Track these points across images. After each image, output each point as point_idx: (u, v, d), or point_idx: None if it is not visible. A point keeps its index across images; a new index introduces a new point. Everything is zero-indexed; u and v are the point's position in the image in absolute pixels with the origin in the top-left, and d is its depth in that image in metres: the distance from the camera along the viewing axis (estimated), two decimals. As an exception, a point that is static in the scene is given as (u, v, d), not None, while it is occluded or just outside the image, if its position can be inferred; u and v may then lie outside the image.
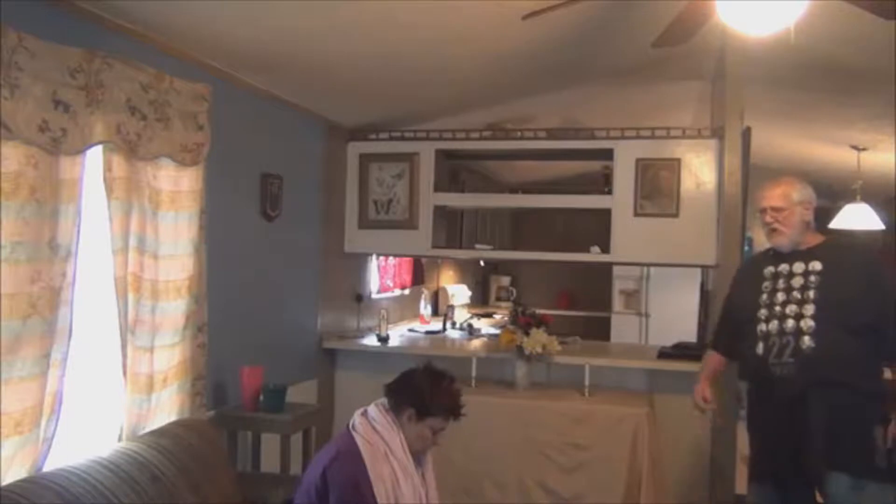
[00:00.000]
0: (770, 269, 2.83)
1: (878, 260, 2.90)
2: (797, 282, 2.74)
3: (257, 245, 3.83)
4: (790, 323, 2.69)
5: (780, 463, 2.76)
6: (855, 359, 2.65)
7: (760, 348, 2.75)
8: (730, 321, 3.04)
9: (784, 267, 2.79)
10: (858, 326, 2.65)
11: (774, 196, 2.79)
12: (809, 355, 2.64)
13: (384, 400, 2.51)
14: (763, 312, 2.78)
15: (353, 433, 2.42)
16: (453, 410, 2.47)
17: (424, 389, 2.45)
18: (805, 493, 2.77)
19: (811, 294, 2.70)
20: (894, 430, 2.63)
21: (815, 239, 2.83)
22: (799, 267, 2.76)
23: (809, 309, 2.68)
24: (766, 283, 2.82)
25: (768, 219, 2.81)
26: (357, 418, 2.47)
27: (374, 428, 2.42)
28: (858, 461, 2.62)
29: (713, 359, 3.16)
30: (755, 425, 2.93)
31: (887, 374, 2.87)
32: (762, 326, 2.76)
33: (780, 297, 2.76)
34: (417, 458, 2.49)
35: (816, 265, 2.73)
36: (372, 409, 2.49)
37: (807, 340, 2.65)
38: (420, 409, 2.43)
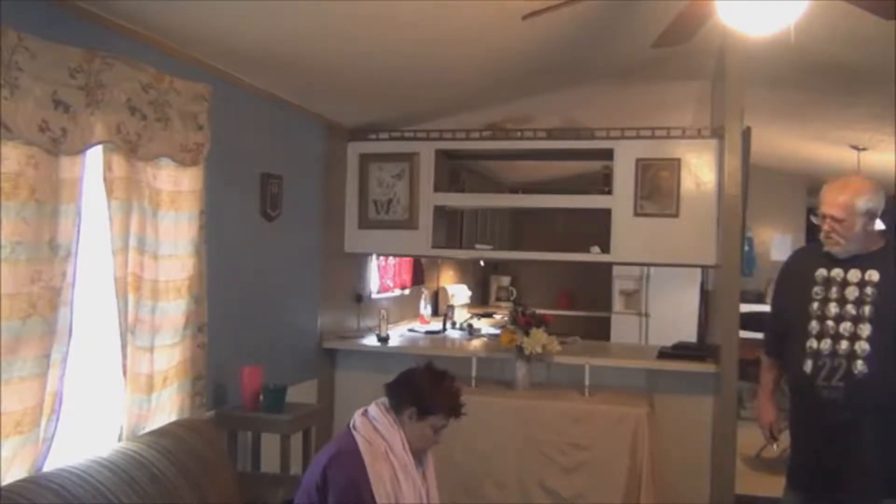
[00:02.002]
0: (822, 273, 2.64)
1: None
2: (852, 293, 2.57)
3: (257, 245, 3.83)
4: (844, 345, 2.54)
5: (819, 483, 2.64)
6: None
7: (809, 366, 2.61)
8: (780, 324, 2.84)
9: (838, 272, 2.61)
10: None
11: (837, 205, 2.56)
12: (861, 380, 2.51)
13: (384, 399, 2.51)
14: (814, 326, 2.61)
15: (354, 432, 2.42)
16: (454, 409, 2.47)
17: (425, 388, 2.45)
18: None
19: (867, 311, 2.53)
20: None
21: (874, 244, 2.62)
22: (854, 275, 2.58)
23: (865, 330, 2.52)
24: (818, 290, 2.64)
25: (826, 227, 2.60)
26: (358, 418, 2.47)
27: (374, 427, 2.43)
28: None
29: (770, 371, 2.94)
30: (797, 439, 2.79)
31: None
32: (812, 343, 2.61)
33: (833, 309, 2.59)
34: (418, 456, 2.50)
35: (874, 275, 2.55)
36: (372, 409, 2.49)
37: (859, 365, 2.51)
38: (421, 407, 2.43)
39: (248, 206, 3.76)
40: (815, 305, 2.63)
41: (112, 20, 2.67)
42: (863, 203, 2.54)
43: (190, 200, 2.95)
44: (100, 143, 2.45)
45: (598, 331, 7.35)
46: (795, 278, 2.78)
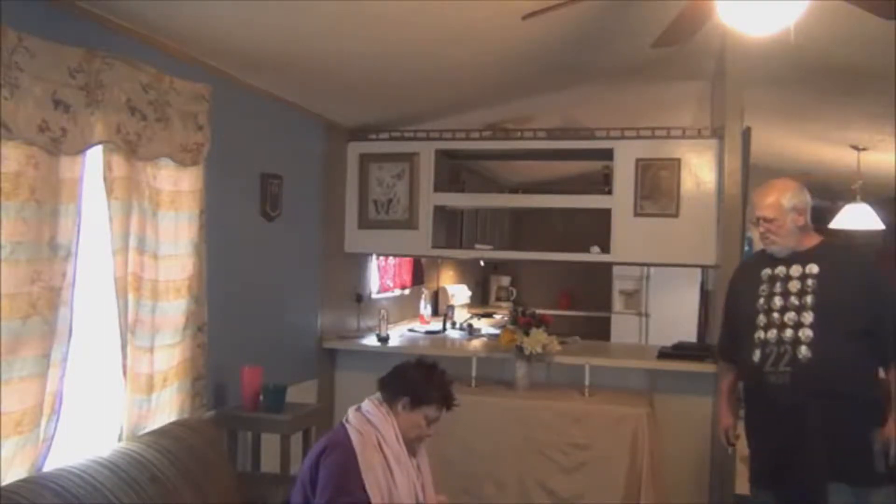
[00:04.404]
0: (767, 272, 2.81)
1: (873, 261, 2.88)
2: (794, 286, 2.72)
3: (257, 245, 3.83)
4: (788, 332, 2.67)
5: (778, 471, 2.75)
6: (851, 366, 2.63)
7: (757, 356, 2.73)
8: (732, 326, 3.01)
9: (781, 269, 2.77)
10: (855, 331, 2.63)
11: (765, 206, 2.78)
12: (806, 364, 2.63)
13: (378, 395, 2.56)
14: (761, 319, 2.75)
15: (346, 425, 2.47)
16: (446, 399, 2.53)
17: (418, 379, 2.52)
18: (804, 500, 2.72)
19: (809, 300, 2.67)
20: (891, 432, 2.61)
21: (812, 240, 2.80)
22: (796, 270, 2.74)
23: (808, 317, 2.66)
24: (763, 287, 2.79)
25: (761, 228, 2.80)
26: (351, 413, 2.53)
27: (367, 419, 2.48)
28: (858, 469, 2.61)
29: (726, 376, 3.11)
30: (752, 430, 2.91)
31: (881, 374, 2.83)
32: (760, 334, 2.74)
33: (778, 302, 2.74)
34: (412, 449, 2.54)
35: (813, 268, 2.71)
36: (365, 404, 2.54)
37: (804, 350, 2.64)
38: (414, 397, 2.48)
39: (248, 206, 3.76)
40: (762, 301, 2.78)
41: (112, 20, 2.67)
42: (787, 201, 2.75)
43: (190, 200, 2.95)
44: (100, 143, 2.45)
45: (598, 331, 7.35)
46: (744, 282, 2.95)
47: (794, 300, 2.71)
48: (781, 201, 2.75)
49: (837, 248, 2.90)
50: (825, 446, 2.59)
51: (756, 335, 2.75)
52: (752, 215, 2.89)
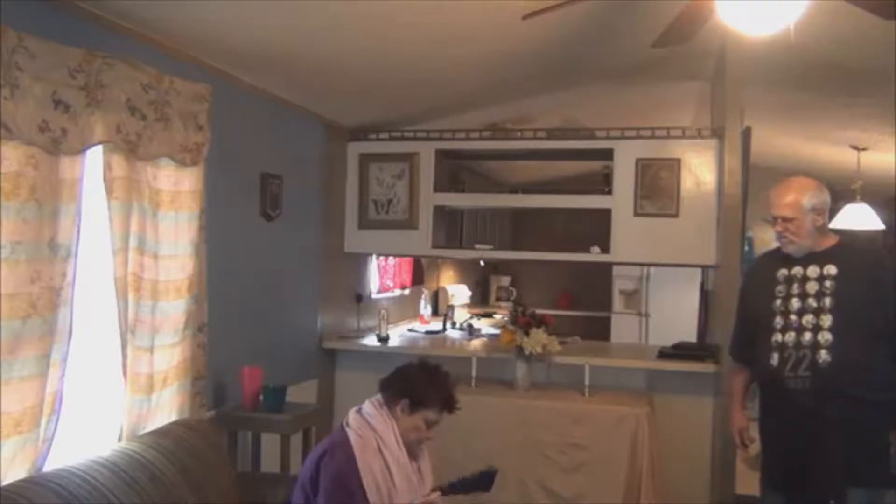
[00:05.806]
0: (783, 272, 2.73)
1: (888, 261, 2.79)
2: (812, 287, 2.65)
3: (257, 245, 3.83)
4: (807, 336, 2.61)
5: (792, 475, 2.70)
6: (870, 368, 2.59)
7: (775, 359, 2.67)
8: (746, 327, 2.93)
9: (798, 270, 2.70)
10: (874, 333, 2.58)
11: (784, 205, 2.68)
12: (825, 369, 2.58)
13: (379, 396, 2.55)
14: (778, 321, 2.69)
15: (347, 429, 2.46)
16: (447, 402, 2.51)
17: (419, 381, 2.50)
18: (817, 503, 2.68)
19: (827, 302, 2.61)
20: None
21: (829, 241, 2.72)
22: (813, 271, 2.67)
23: (827, 320, 2.60)
24: (780, 288, 2.72)
25: (779, 228, 2.71)
26: (351, 415, 2.52)
27: (367, 422, 2.47)
28: (875, 473, 2.58)
29: (739, 377, 3.03)
30: (767, 434, 2.85)
31: None
32: (777, 337, 2.68)
33: (796, 304, 2.67)
34: (413, 452, 2.53)
35: (832, 269, 2.64)
36: (366, 405, 2.53)
37: (823, 354, 2.58)
38: (413, 399, 2.47)
39: (248, 206, 3.76)
40: (779, 302, 2.72)
41: (112, 20, 2.67)
42: (807, 200, 2.66)
43: (190, 200, 2.95)
44: (100, 143, 2.45)
45: (598, 331, 7.35)
46: (759, 282, 2.87)
47: (811, 302, 2.64)
48: (801, 200, 2.66)
49: (855, 248, 2.83)
50: (843, 450, 2.55)
51: (773, 338, 2.69)
52: (767, 213, 2.78)
